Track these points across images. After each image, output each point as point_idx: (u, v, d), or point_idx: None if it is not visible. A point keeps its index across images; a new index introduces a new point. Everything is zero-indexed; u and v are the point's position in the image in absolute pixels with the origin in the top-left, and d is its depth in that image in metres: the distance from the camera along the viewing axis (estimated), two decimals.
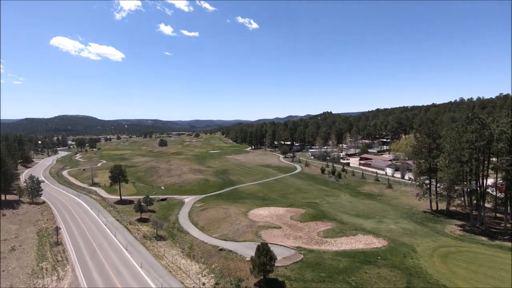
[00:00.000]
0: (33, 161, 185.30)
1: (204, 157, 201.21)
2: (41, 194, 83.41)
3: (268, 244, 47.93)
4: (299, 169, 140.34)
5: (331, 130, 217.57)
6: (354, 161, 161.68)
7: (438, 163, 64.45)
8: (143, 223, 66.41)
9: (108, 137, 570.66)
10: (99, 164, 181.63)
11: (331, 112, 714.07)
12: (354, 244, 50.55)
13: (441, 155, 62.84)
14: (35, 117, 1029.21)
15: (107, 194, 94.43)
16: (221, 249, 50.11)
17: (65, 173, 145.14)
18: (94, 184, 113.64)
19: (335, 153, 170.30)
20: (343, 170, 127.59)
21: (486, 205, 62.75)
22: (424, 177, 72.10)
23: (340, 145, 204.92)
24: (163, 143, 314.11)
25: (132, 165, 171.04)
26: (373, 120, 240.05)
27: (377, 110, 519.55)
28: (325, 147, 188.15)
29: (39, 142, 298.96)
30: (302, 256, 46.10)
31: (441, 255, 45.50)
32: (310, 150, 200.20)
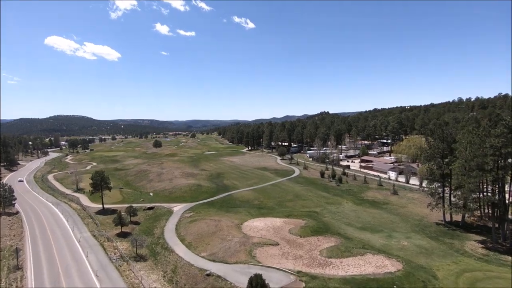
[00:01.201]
0: (19, 164, 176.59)
1: (198, 159, 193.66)
2: (15, 203, 75.46)
3: (264, 268, 40.86)
4: (297, 172, 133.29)
5: (330, 130, 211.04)
6: (354, 164, 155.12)
7: (453, 170, 57.66)
8: (123, 238, 58.93)
9: (103, 137, 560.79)
10: (88, 167, 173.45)
11: (328, 112, 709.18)
12: (364, 267, 43.48)
13: (457, 161, 56.00)
14: (30, 117, 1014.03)
15: (90, 202, 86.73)
16: (208, 274, 42.83)
17: (50, 177, 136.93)
18: (79, 190, 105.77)
19: (335, 155, 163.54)
20: (344, 173, 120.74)
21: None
22: (437, 184, 65.24)
23: (339, 146, 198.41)
24: (157, 144, 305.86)
25: (123, 167, 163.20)
26: (373, 120, 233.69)
27: (375, 110, 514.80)
28: (324, 149, 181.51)
29: (30, 143, 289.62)
30: (304, 285, 38.94)
31: (468, 283, 38.57)
32: (309, 151, 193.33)
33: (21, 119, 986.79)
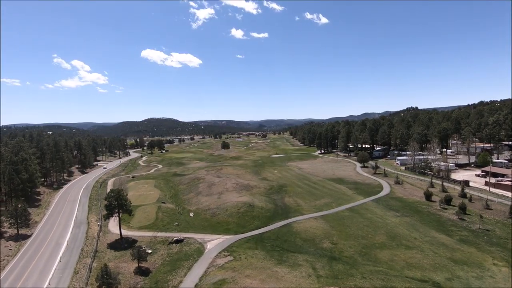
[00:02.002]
0: (94, 166, 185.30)
1: (262, 164, 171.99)
2: (29, 225, 64.10)
3: None
4: (386, 188, 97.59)
5: (429, 130, 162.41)
6: (470, 176, 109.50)
7: None
8: None
9: (182, 138, 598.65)
10: (152, 170, 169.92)
11: (416, 107, 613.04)
12: None
13: None
14: (130, 121, 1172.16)
15: (116, 223, 70.77)
16: None
17: (111, 181, 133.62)
18: None
19: (441, 164, 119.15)
20: (464, 195, 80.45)
21: None
22: None
23: (444, 151, 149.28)
24: (225, 146, 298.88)
25: (182, 172, 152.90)
26: (493, 115, 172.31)
27: (481, 103, 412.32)
28: (421, 154, 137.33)
29: (104, 147, 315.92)
30: None
31: None
32: (399, 157, 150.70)
33: (123, 122, 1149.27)
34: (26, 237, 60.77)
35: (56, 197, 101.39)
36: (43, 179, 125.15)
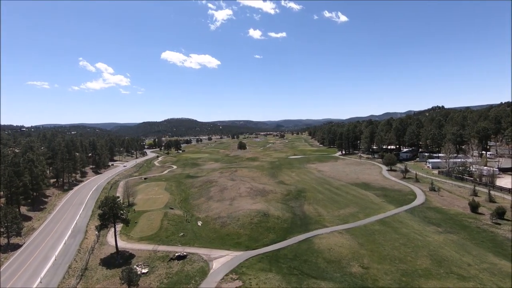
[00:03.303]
0: (109, 166, 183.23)
1: (280, 166, 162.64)
2: (21, 233, 58.36)
3: None
4: (420, 196, 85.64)
5: (465, 130, 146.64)
6: None
7: None
8: None
9: (200, 138, 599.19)
10: (165, 172, 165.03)
11: (443, 106, 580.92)
12: None
13: None
14: (150, 121, 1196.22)
15: (122, 231, 64.46)
16: None
17: (122, 183, 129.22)
18: (130, 205, 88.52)
19: (483, 167, 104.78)
20: None
21: None
22: None
23: (484, 153, 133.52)
24: (241, 146, 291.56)
25: (196, 174, 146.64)
26: None
27: None
28: (457, 157, 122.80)
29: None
30: None
31: None
32: (431, 160, 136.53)
33: (144, 123, 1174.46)
34: (16, 247, 55.31)
35: (63, 200, 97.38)
36: (54, 180, 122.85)
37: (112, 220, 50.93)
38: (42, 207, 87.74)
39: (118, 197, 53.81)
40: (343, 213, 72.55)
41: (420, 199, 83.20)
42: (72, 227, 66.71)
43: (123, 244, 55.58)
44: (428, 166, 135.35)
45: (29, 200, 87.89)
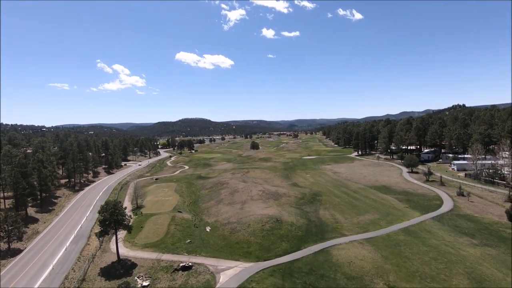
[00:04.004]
0: (122, 166, 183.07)
1: (293, 167, 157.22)
2: (22, 237, 56.13)
3: None
4: (447, 202, 78.44)
5: (494, 130, 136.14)
6: None
7: None
8: None
9: (213, 138, 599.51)
10: (177, 172, 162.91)
11: (464, 105, 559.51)
12: None
13: None
14: (165, 121, 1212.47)
15: (127, 237, 61.12)
16: None
17: (132, 184, 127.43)
18: (138, 207, 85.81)
19: None
20: None
21: None
22: None
23: None
24: (254, 146, 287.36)
25: (207, 175, 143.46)
26: None
27: None
28: (482, 157, 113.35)
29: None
30: None
31: None
32: (456, 161, 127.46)
33: (159, 123, 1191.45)
34: (16, 253, 53.02)
35: (73, 201, 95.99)
36: (66, 180, 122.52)
37: (113, 227, 47.55)
38: (50, 208, 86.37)
39: (120, 201, 50.48)
40: (362, 220, 66.73)
41: (447, 205, 76.09)
42: (76, 231, 64.19)
43: (126, 252, 52.23)
44: (452, 168, 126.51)
45: (38, 201, 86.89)
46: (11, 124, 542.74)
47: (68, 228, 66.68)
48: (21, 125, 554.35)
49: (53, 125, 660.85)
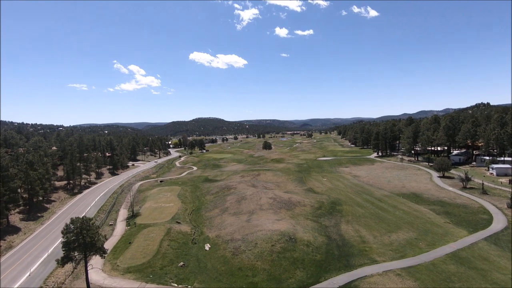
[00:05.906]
0: (128, 166, 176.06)
1: (308, 169, 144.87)
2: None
3: None
4: (498, 216, 64.59)
5: None
6: None
7: None
8: None
9: (226, 137, 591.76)
10: (184, 174, 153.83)
11: (488, 103, 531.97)
12: None
13: None
14: (179, 120, 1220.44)
15: (106, 258, 51.01)
16: None
17: (136, 186, 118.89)
18: (134, 216, 76.43)
19: None
20: None
21: None
22: None
23: None
24: (266, 146, 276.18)
25: (215, 178, 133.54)
26: None
27: None
28: None
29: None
30: None
31: None
32: (495, 165, 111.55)
33: (173, 122, 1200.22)
34: None
35: (66, 206, 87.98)
36: (66, 182, 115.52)
37: (82, 250, 37.54)
38: (39, 215, 78.36)
39: (91, 218, 40.37)
40: (396, 240, 54.25)
41: (499, 220, 62.35)
42: (53, 247, 54.94)
43: (101, 280, 42.14)
44: (491, 173, 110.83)
45: (27, 207, 79.21)
46: (31, 124, 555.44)
47: (46, 242, 57.69)
48: (40, 125, 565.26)
49: (71, 125, 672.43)
